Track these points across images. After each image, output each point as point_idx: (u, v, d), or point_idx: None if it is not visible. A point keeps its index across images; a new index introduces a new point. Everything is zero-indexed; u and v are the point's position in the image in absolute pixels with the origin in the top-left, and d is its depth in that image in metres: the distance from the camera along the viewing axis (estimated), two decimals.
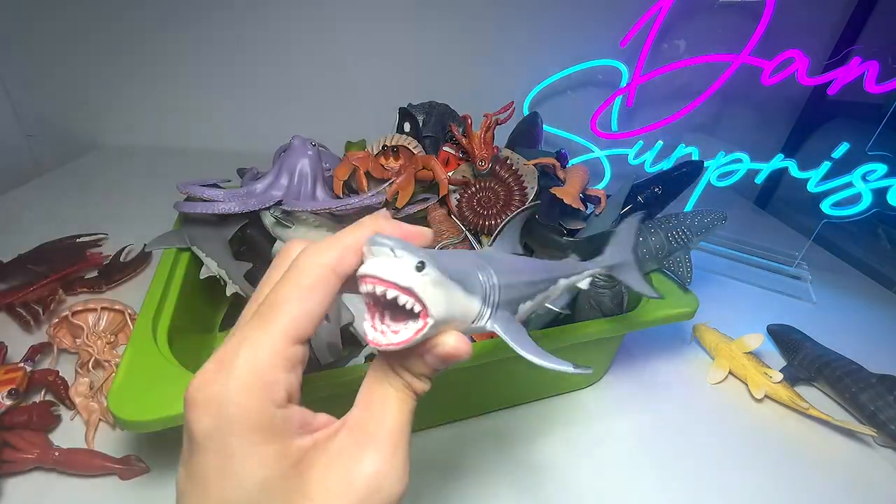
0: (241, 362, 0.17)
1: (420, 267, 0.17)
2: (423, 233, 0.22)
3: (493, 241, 0.30)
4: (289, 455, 0.17)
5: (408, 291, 0.17)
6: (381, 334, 0.18)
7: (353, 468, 0.18)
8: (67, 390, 0.39)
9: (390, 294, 0.17)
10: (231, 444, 0.16)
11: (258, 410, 0.16)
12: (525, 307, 0.25)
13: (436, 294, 0.18)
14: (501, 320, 0.22)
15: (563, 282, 0.29)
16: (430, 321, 0.17)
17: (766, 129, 0.92)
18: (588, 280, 0.31)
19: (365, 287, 0.18)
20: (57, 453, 0.35)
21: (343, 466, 0.18)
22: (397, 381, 0.20)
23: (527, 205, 0.30)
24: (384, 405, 0.20)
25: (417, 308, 0.17)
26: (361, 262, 0.18)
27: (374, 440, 0.18)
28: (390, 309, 0.18)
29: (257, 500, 0.16)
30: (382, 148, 0.47)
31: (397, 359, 0.20)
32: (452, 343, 0.19)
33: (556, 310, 0.30)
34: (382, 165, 0.47)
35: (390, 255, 0.17)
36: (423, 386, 0.21)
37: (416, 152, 0.48)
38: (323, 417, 0.19)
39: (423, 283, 0.17)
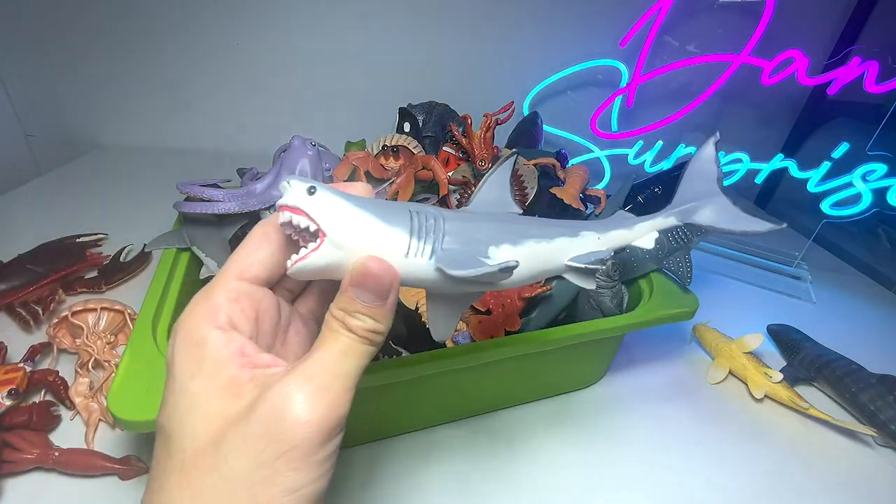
0: (200, 297, 0.20)
1: (311, 190, 0.19)
2: (357, 185, 0.23)
3: (472, 198, 0.26)
4: (218, 374, 0.18)
5: (299, 210, 0.19)
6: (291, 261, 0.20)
7: (282, 407, 0.17)
8: (67, 390, 0.39)
9: (291, 218, 0.19)
10: (174, 355, 0.19)
11: (199, 331, 0.19)
12: (504, 249, 0.23)
13: (332, 215, 0.19)
14: (448, 255, 0.21)
15: (588, 234, 0.26)
16: (327, 239, 0.19)
17: (766, 129, 0.92)
18: (654, 238, 0.28)
19: (280, 219, 0.20)
20: (57, 453, 0.35)
21: (271, 405, 0.17)
22: (333, 322, 0.20)
23: (501, 161, 0.27)
24: (325, 348, 0.19)
25: (313, 227, 0.19)
26: None
27: (310, 381, 0.18)
28: (304, 238, 0.20)
29: (184, 412, 0.18)
30: (382, 148, 0.47)
31: (329, 298, 0.20)
32: (362, 262, 0.19)
33: (584, 266, 0.25)
34: (382, 165, 0.47)
35: (288, 187, 0.19)
36: (358, 323, 0.19)
37: (415, 152, 0.48)
38: (268, 357, 0.20)
39: (313, 203, 0.19)
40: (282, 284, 0.23)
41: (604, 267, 0.28)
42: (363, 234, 0.20)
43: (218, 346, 0.19)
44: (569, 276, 0.26)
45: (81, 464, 0.35)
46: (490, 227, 0.23)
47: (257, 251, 0.21)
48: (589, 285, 0.26)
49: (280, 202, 0.20)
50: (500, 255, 0.22)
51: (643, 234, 0.28)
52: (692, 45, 0.76)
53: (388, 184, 0.44)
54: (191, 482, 0.17)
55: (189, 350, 0.19)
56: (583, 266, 0.25)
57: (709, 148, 0.28)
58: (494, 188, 0.27)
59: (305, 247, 0.19)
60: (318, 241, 0.19)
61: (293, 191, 0.19)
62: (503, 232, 0.23)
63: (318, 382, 0.18)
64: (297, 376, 0.18)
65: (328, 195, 0.20)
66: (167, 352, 0.19)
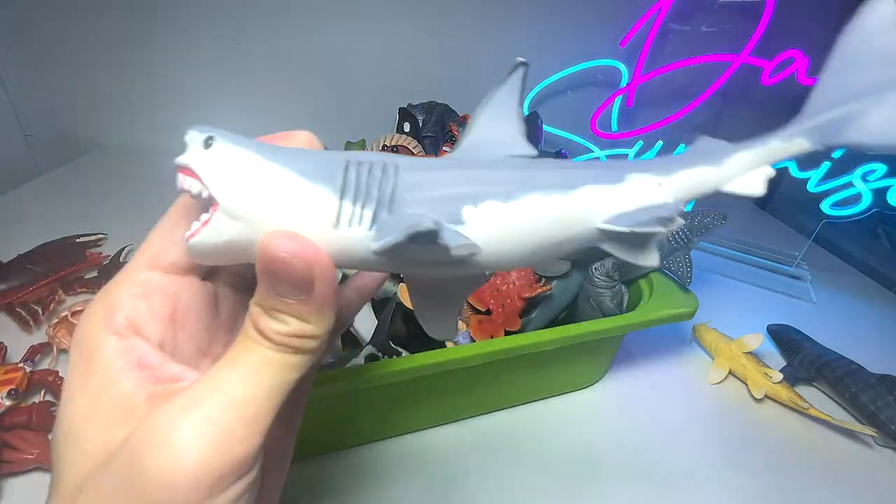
0: (98, 293, 0.16)
1: (208, 142, 0.14)
2: (295, 135, 0.17)
3: (462, 139, 0.18)
4: (105, 393, 0.14)
5: (188, 171, 0.14)
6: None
7: (146, 449, 0.13)
8: None
9: (183, 182, 0.14)
10: (69, 367, 0.15)
11: (90, 334, 0.15)
12: (486, 210, 0.15)
13: (229, 174, 0.14)
14: (389, 223, 0.14)
15: (640, 177, 0.17)
16: (220, 208, 0.14)
17: (766, 129, 0.92)
18: (764, 178, 0.18)
19: (178, 183, 0.15)
20: None
21: (134, 444, 0.13)
22: (248, 325, 0.15)
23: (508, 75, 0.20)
24: (230, 360, 0.14)
25: (206, 193, 0.14)
26: None
27: (196, 410, 0.13)
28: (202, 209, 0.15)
29: (65, 435, 0.14)
30: (382, 148, 0.47)
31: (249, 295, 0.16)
32: (267, 241, 0.13)
33: (630, 231, 0.16)
34: None
35: (186, 140, 0.14)
36: (275, 326, 0.14)
37: (415, 152, 0.48)
38: (176, 369, 0.15)
39: (207, 160, 0.14)
40: (227, 269, 0.18)
41: (667, 230, 0.16)
42: (271, 199, 0.14)
43: (109, 356, 0.14)
44: (609, 248, 0.17)
45: None
46: (471, 176, 0.15)
47: (175, 229, 0.16)
48: (647, 260, 0.17)
49: (177, 160, 0.14)
50: (479, 217, 0.15)
51: (743, 170, 0.18)
52: (705, 26, 0.75)
53: None
54: None
55: (78, 362, 0.15)
56: (629, 231, 0.16)
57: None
58: (493, 120, 0.18)
59: (198, 220, 0.15)
60: (210, 211, 0.14)
61: (189, 145, 0.14)
62: (491, 182, 0.15)
63: (206, 412, 0.13)
64: (179, 402, 0.13)
65: (227, 146, 0.14)
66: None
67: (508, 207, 0.15)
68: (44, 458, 0.34)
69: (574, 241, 0.16)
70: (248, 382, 0.14)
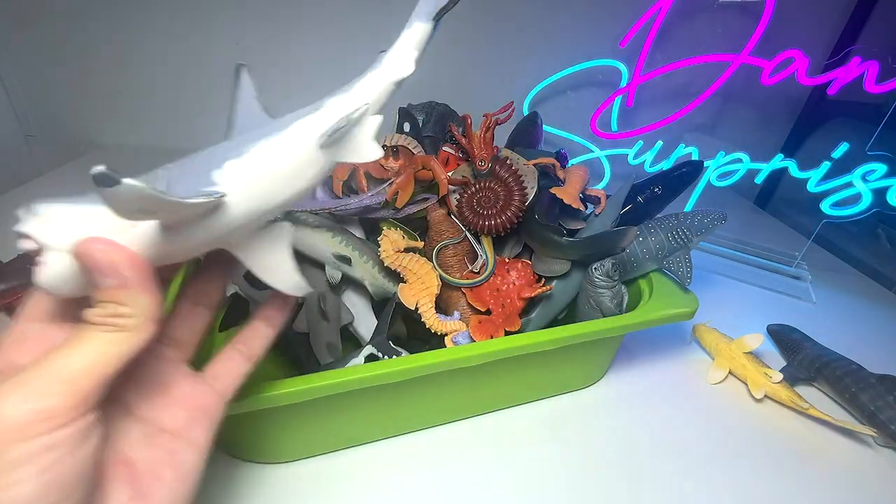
0: None
1: (34, 211, 0.18)
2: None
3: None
4: None
5: (25, 237, 0.18)
6: None
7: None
8: None
9: (23, 247, 0.18)
10: None
11: None
12: (229, 168, 0.20)
13: (49, 222, 0.18)
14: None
15: (334, 99, 0.23)
16: (46, 248, 0.18)
17: (766, 129, 0.92)
18: (413, 59, 0.25)
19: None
20: None
21: None
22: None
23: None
24: (59, 346, 0.18)
25: (35, 245, 0.18)
26: None
27: (21, 378, 0.17)
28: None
29: None
30: (382, 148, 0.47)
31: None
32: (78, 244, 0.18)
33: (334, 131, 0.21)
34: (382, 165, 0.46)
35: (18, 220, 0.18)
36: (93, 310, 0.18)
37: (415, 152, 0.48)
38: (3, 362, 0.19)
39: (34, 222, 0.18)
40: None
41: (356, 114, 0.22)
42: (78, 224, 0.18)
43: None
44: (333, 156, 0.22)
45: None
46: (219, 149, 0.20)
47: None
48: (369, 150, 0.23)
49: (16, 228, 0.18)
50: (225, 177, 0.19)
51: (402, 60, 0.25)
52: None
53: (387, 184, 0.44)
54: None
55: None
56: (333, 132, 0.21)
57: None
58: (244, 109, 0.24)
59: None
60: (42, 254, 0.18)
61: (22, 220, 0.18)
62: (229, 148, 0.20)
63: (27, 376, 0.17)
64: (13, 378, 0.17)
65: (45, 207, 0.18)
66: None
67: (243, 160, 0.20)
68: None
69: (308, 165, 0.21)
70: (69, 355, 0.17)
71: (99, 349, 0.17)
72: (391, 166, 0.46)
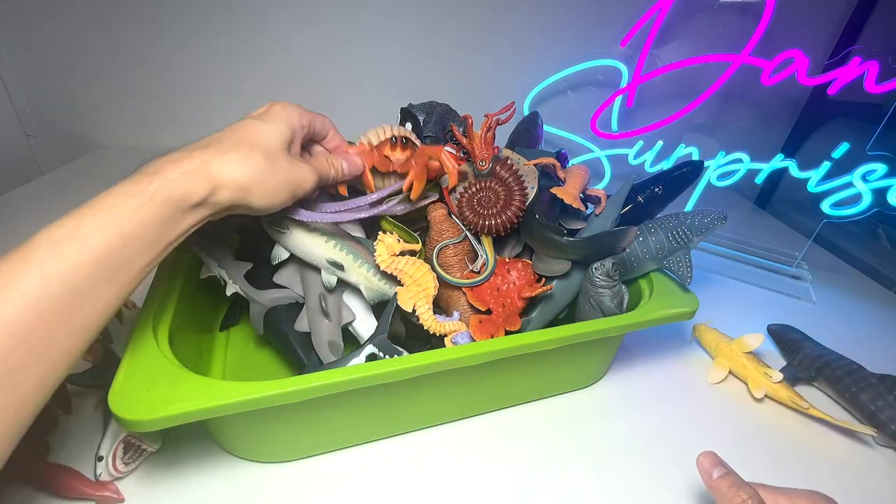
0: (302, 109, 0.38)
1: None
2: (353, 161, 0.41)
3: None
4: (288, 141, 0.34)
5: None
6: None
7: (300, 165, 0.35)
8: (66, 394, 0.39)
9: None
10: (281, 117, 0.35)
11: (296, 120, 0.36)
12: None
13: None
14: None
15: None
16: None
17: (766, 129, 0.92)
18: None
19: None
20: (40, 467, 0.34)
21: (297, 163, 0.35)
22: (334, 159, 0.39)
23: None
24: (322, 162, 0.38)
25: None
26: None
27: (311, 166, 0.36)
28: None
29: (271, 137, 0.33)
30: (391, 140, 0.46)
31: (338, 155, 0.41)
32: (355, 160, 0.41)
33: None
34: (387, 157, 0.45)
35: None
36: (335, 173, 0.39)
37: (417, 143, 0.47)
38: (297, 151, 0.36)
39: None
40: None
41: None
42: None
43: (296, 131, 0.36)
44: None
45: (59, 483, 0.33)
46: None
47: (321, 126, 0.41)
48: None
49: None
50: None
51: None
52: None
53: (397, 185, 0.43)
54: None
55: (288, 120, 0.35)
56: None
57: None
58: None
59: None
60: None
61: None
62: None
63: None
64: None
65: None
66: (252, 125, 0.33)
67: None
68: (28, 470, 0.33)
69: None
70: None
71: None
72: (397, 157, 0.45)
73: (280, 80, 0.88)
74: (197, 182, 0.28)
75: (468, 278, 0.42)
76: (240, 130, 0.32)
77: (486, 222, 0.42)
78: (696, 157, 0.69)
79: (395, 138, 0.43)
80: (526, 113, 0.72)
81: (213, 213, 0.31)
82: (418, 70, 0.88)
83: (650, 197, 0.48)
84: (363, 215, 0.40)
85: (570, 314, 0.46)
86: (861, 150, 0.59)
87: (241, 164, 0.30)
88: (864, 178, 0.58)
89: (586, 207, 0.49)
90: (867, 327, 0.61)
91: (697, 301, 0.43)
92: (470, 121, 0.47)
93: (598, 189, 0.50)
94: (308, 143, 0.40)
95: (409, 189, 0.40)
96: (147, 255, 0.28)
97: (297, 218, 0.38)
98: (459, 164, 0.49)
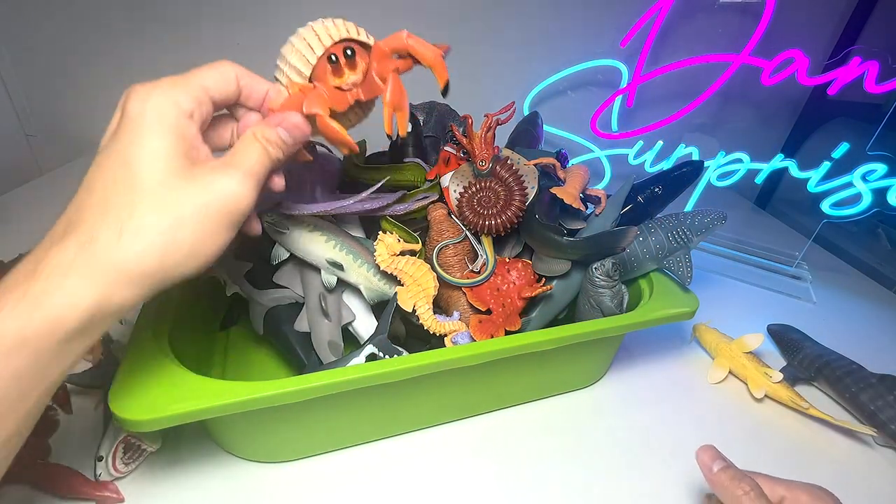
0: (167, 83, 0.25)
1: None
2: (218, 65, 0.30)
3: None
4: (179, 145, 0.24)
5: None
6: None
7: (216, 180, 0.24)
8: (66, 394, 0.39)
9: None
10: (147, 121, 0.24)
11: (169, 110, 0.24)
12: None
13: None
14: None
15: None
16: None
17: (766, 129, 0.92)
18: None
19: None
20: (40, 468, 0.34)
21: (210, 178, 0.24)
22: (257, 144, 0.27)
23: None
24: (245, 153, 0.26)
25: None
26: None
27: (235, 168, 0.25)
28: None
29: (150, 158, 0.23)
30: (330, 60, 0.29)
31: (267, 124, 0.28)
32: (293, 120, 0.28)
33: None
34: (339, 87, 0.30)
35: None
36: (275, 153, 0.27)
37: (370, 41, 0.31)
38: (206, 151, 0.27)
39: None
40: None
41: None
42: None
43: (186, 126, 0.25)
44: None
45: (59, 483, 0.33)
46: None
47: (223, 83, 0.29)
48: None
49: None
50: None
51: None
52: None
53: (382, 182, 0.43)
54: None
55: (160, 120, 0.24)
56: None
57: None
58: None
59: None
60: None
61: None
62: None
63: (252, 184, 0.26)
64: (237, 171, 0.26)
65: None
66: (125, 105, 0.25)
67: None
68: (28, 471, 0.33)
69: None
70: (257, 161, 0.27)
71: (266, 165, 0.27)
72: (351, 80, 0.30)
73: None
74: (68, 298, 0.20)
75: (468, 278, 0.42)
76: (101, 179, 0.23)
77: (486, 222, 0.42)
78: (696, 157, 0.69)
79: (334, 55, 0.28)
80: (526, 113, 0.72)
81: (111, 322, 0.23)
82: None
83: (650, 197, 0.48)
84: (359, 208, 0.40)
85: (570, 314, 0.46)
86: (861, 150, 0.59)
87: (129, 244, 0.21)
88: (864, 178, 0.58)
89: (586, 207, 0.49)
90: (867, 327, 0.61)
91: (697, 301, 0.43)
92: (470, 121, 0.47)
93: (598, 189, 0.50)
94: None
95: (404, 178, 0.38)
96: (12, 417, 0.20)
97: (292, 213, 0.38)
98: (459, 164, 0.49)
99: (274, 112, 0.29)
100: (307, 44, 0.30)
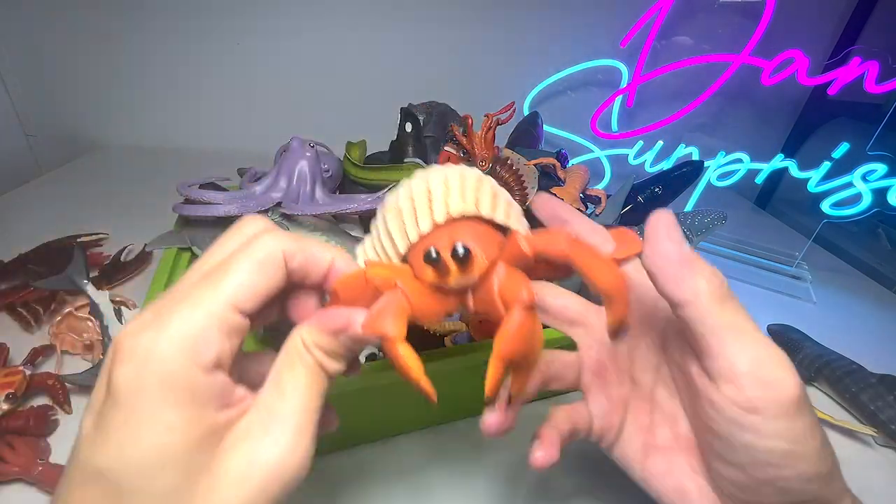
0: (178, 318, 0.16)
1: None
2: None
3: None
4: (200, 426, 0.16)
5: None
6: None
7: (255, 451, 0.17)
8: (66, 394, 0.39)
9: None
10: (144, 399, 0.15)
11: (181, 371, 0.15)
12: None
13: None
14: None
15: None
16: None
17: (766, 129, 0.92)
18: None
19: None
20: (40, 468, 0.33)
21: (246, 448, 0.17)
22: (309, 358, 0.19)
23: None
24: (294, 384, 0.18)
25: None
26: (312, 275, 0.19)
27: (280, 421, 0.17)
28: None
29: (154, 464, 0.15)
30: (428, 257, 0.19)
31: (311, 335, 0.19)
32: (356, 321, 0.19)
33: None
34: (440, 287, 0.20)
35: None
36: (336, 366, 0.19)
37: (509, 221, 0.22)
38: (241, 391, 0.18)
39: None
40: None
41: None
42: None
43: (201, 390, 0.16)
44: None
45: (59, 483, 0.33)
46: None
47: (264, 279, 0.18)
48: None
49: None
50: None
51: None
52: (685, 42, 0.76)
53: (386, 190, 0.43)
54: None
55: (162, 395, 0.15)
56: None
57: None
58: None
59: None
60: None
61: None
62: None
63: (307, 438, 0.19)
64: (285, 426, 0.18)
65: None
66: (120, 369, 0.15)
67: None
68: (28, 471, 0.33)
69: None
70: (307, 398, 0.19)
71: (322, 395, 0.20)
72: (461, 283, 0.20)
73: (280, 79, 0.88)
74: None
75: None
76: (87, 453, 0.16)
77: None
78: (696, 157, 0.69)
79: (434, 251, 0.18)
80: (526, 113, 0.73)
81: None
82: (418, 70, 0.88)
83: (650, 197, 0.48)
84: (359, 209, 0.40)
85: None
86: (861, 150, 0.59)
87: None
88: (864, 178, 0.58)
89: (586, 207, 0.49)
90: (867, 327, 0.61)
91: None
92: (470, 121, 0.47)
93: (598, 189, 0.50)
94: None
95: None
96: None
97: (292, 213, 0.38)
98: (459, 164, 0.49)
99: (337, 297, 0.20)
100: (413, 208, 0.20)
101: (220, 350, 0.17)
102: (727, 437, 0.20)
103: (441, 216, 0.20)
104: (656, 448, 0.25)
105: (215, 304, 0.17)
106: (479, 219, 0.20)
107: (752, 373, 0.20)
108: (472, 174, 0.22)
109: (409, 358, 0.19)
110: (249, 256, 0.18)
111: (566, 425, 0.27)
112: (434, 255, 0.18)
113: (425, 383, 0.20)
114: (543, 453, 0.25)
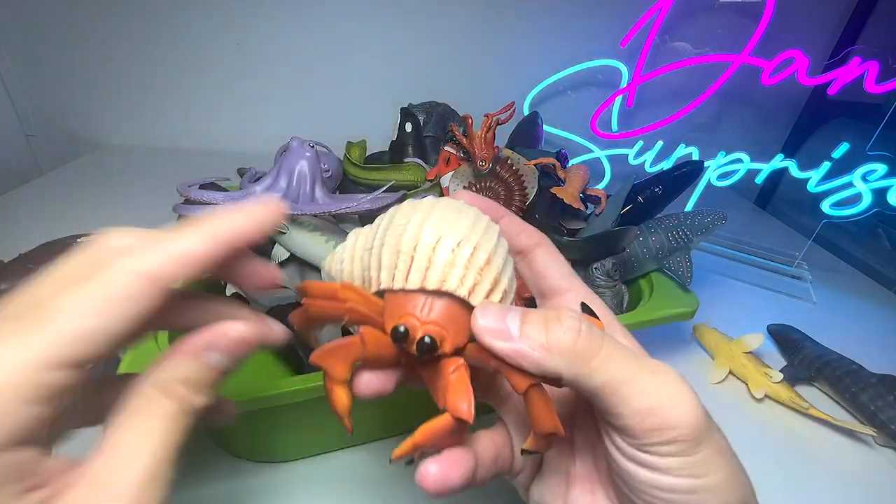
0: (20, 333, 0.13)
1: None
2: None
3: None
4: None
5: None
6: None
7: None
8: None
9: None
10: None
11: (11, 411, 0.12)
12: None
13: None
14: None
15: None
16: None
17: (765, 129, 0.92)
18: None
19: None
20: None
21: None
22: (166, 402, 0.15)
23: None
24: (140, 443, 0.14)
25: None
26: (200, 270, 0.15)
27: (115, 499, 0.13)
28: None
29: None
30: (395, 331, 0.19)
31: (173, 370, 0.16)
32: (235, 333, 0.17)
33: None
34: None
35: None
36: (202, 399, 0.16)
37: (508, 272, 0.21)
38: (58, 463, 0.14)
39: None
40: None
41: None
42: None
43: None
44: None
45: None
46: None
47: (111, 321, 0.14)
48: None
49: None
50: None
51: None
52: (685, 45, 0.76)
53: (385, 188, 0.43)
54: None
55: None
56: None
57: None
58: None
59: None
60: None
61: None
62: None
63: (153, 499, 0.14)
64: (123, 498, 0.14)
65: None
66: None
67: None
68: None
69: None
70: (158, 452, 0.15)
71: (179, 437, 0.16)
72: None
73: (279, 79, 0.88)
74: None
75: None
76: None
77: None
78: (696, 157, 0.69)
79: (403, 327, 0.19)
80: (526, 113, 0.73)
81: None
82: (418, 70, 0.88)
83: (650, 197, 0.48)
84: (359, 209, 0.40)
85: None
86: (861, 150, 0.59)
87: None
88: (864, 178, 0.58)
89: (586, 207, 0.49)
90: (867, 327, 0.61)
91: (697, 301, 0.43)
92: (470, 121, 0.47)
93: (598, 189, 0.50)
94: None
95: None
96: None
97: (292, 213, 0.38)
98: (459, 164, 0.49)
99: (306, 292, 0.21)
100: (411, 258, 0.19)
101: (26, 420, 0.12)
102: (630, 477, 0.19)
103: (432, 285, 0.19)
104: (576, 477, 0.24)
105: (26, 363, 0.12)
106: (465, 301, 0.19)
107: (641, 411, 0.18)
108: (489, 242, 0.20)
109: (340, 397, 0.21)
110: (90, 292, 0.14)
111: (488, 451, 0.23)
112: (401, 332, 0.18)
113: (347, 421, 0.21)
114: (439, 468, 0.20)
